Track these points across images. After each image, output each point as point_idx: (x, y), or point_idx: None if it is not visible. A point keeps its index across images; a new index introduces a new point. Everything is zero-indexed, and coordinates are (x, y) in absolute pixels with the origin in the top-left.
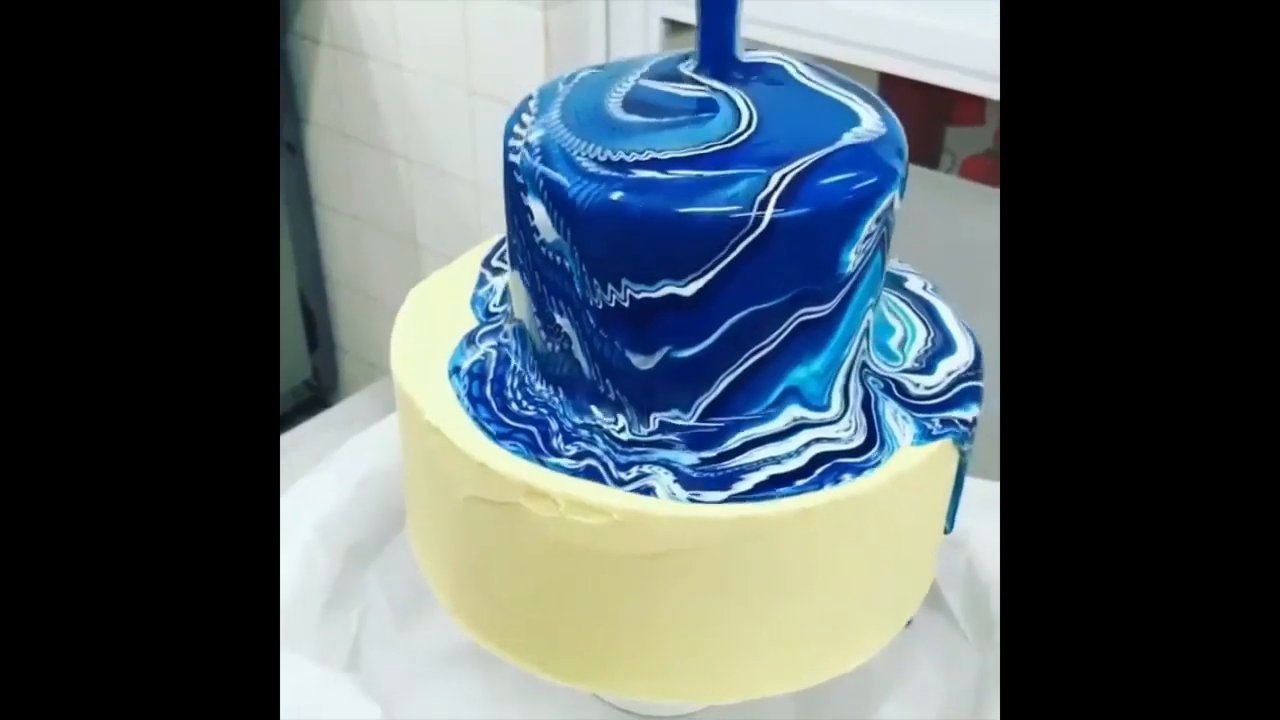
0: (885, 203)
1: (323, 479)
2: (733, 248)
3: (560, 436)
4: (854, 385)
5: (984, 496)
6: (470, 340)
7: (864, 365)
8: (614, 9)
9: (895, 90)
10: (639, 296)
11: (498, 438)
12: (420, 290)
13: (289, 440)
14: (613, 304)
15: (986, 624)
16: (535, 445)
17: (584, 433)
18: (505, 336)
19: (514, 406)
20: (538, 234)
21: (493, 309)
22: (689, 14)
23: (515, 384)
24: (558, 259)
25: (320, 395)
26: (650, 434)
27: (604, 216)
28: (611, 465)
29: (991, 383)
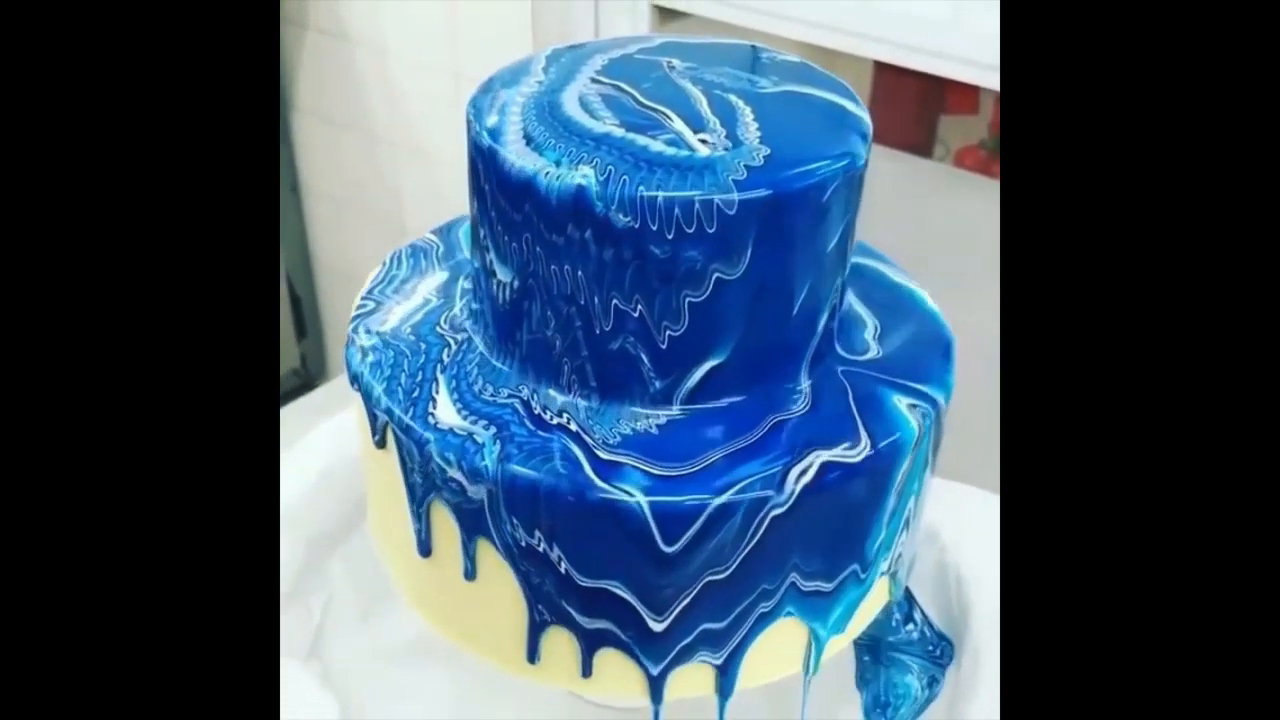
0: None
1: (282, 472)
2: None
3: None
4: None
5: (952, 496)
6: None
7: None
8: None
9: (890, 79)
10: None
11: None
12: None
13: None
14: None
15: (956, 621)
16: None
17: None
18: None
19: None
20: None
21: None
22: (678, 0)
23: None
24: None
25: (309, 383)
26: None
27: None
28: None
29: (989, 382)
